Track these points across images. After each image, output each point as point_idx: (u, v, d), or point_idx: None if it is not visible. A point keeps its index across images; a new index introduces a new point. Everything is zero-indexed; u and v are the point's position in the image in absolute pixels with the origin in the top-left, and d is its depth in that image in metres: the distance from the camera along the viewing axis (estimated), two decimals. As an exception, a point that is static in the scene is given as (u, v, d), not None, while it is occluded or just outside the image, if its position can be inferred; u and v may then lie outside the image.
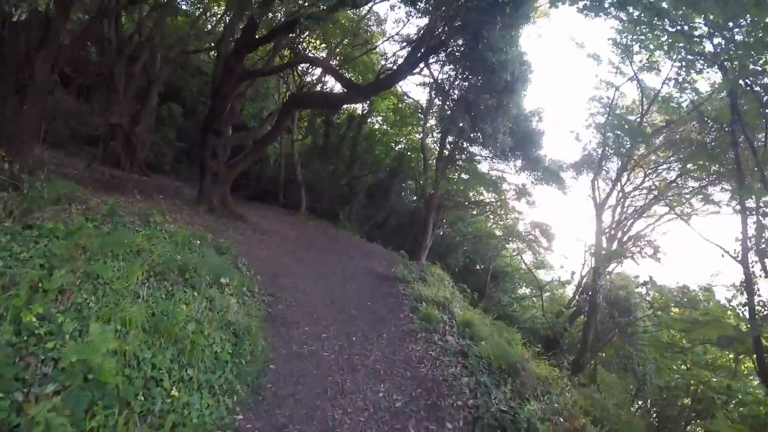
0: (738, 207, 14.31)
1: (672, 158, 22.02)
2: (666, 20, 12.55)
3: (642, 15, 12.73)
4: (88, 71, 22.25)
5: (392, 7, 28.35)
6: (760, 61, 10.78)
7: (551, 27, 69.90)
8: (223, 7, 25.28)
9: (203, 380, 6.39)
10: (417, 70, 19.85)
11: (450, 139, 25.20)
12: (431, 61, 19.45)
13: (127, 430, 4.85)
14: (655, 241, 19.30)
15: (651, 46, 16.94)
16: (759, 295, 10.59)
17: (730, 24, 10.83)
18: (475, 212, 30.22)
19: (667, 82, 19.38)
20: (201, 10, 26.92)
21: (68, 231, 7.71)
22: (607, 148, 22.02)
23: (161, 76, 22.87)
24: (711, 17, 11.00)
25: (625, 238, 22.13)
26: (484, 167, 26.70)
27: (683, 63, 15.59)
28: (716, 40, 11.71)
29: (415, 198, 32.37)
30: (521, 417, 7.16)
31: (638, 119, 20.78)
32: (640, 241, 20.28)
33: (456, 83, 21.13)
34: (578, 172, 24.07)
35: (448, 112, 20.59)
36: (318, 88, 28.13)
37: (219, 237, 13.78)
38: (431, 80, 23.24)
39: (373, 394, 7.48)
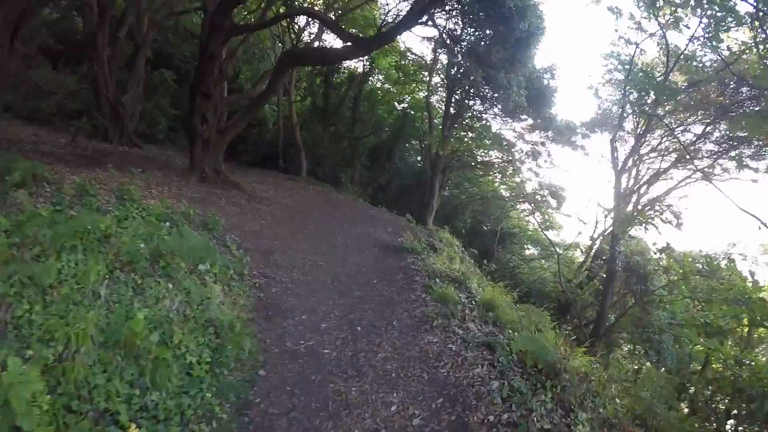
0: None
1: (691, 119, 20.28)
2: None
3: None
4: (73, 42, 20.90)
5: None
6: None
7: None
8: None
9: (171, 407, 4.85)
10: (422, 19, 17.67)
11: (456, 96, 23.27)
12: (437, 10, 17.43)
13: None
14: (675, 207, 17.52)
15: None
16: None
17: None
18: (481, 173, 28.38)
19: (692, 40, 17.43)
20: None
21: (15, 223, 6.16)
22: (628, 106, 20.04)
23: (148, 40, 20.89)
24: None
25: (642, 202, 20.37)
26: (492, 126, 24.83)
27: (712, 20, 14.26)
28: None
29: (419, 159, 30.77)
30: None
31: (662, 77, 18.78)
32: (659, 205, 18.43)
33: (464, 35, 19.15)
34: (592, 132, 22.20)
35: (460, 64, 18.49)
36: (316, 45, 25.90)
37: (208, 210, 12.20)
38: (437, 33, 21.24)
39: (384, 408, 5.81)
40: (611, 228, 19.77)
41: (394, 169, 28.79)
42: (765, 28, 11.65)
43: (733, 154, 18.97)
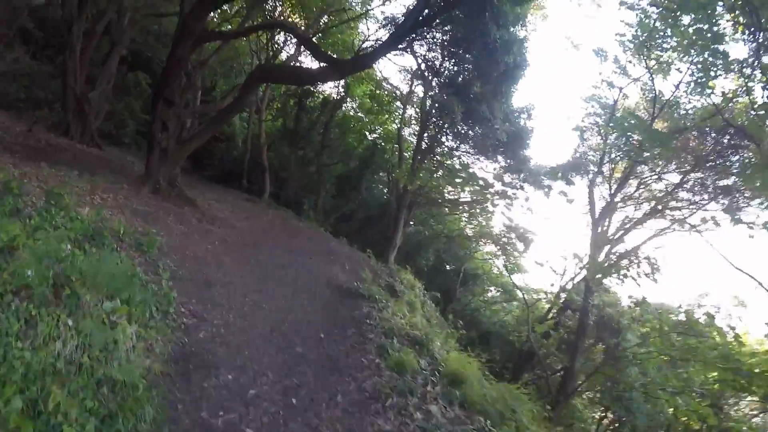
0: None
1: (667, 168, 19.43)
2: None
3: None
4: (54, 30, 19.79)
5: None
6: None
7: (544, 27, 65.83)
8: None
9: None
10: (401, 46, 16.45)
11: (429, 132, 22.06)
12: (418, 38, 16.30)
13: None
14: (653, 258, 16.36)
15: (669, 44, 14.34)
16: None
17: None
18: (447, 210, 27.11)
19: (678, 86, 16.84)
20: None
21: None
22: (609, 151, 19.17)
23: (125, 39, 19.49)
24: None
25: (616, 251, 19.25)
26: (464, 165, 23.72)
27: (699, 65, 13.94)
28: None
29: (386, 191, 29.42)
30: None
31: (649, 121, 17.87)
32: (633, 256, 17.27)
33: (444, 66, 18.03)
34: (567, 176, 21.18)
35: (437, 96, 17.30)
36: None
37: (150, 227, 10.63)
38: (415, 63, 20.16)
39: None
40: (583, 278, 18.67)
41: (359, 200, 27.29)
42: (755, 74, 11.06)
43: (722, 204, 18.15)
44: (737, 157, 16.81)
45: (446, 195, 25.48)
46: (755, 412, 17.62)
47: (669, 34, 14.57)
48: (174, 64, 14.04)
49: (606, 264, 17.12)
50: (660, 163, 19.21)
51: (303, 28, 23.03)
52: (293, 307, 9.73)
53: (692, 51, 13.66)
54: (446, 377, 7.70)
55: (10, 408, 3.85)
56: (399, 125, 25.31)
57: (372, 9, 23.27)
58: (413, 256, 25.69)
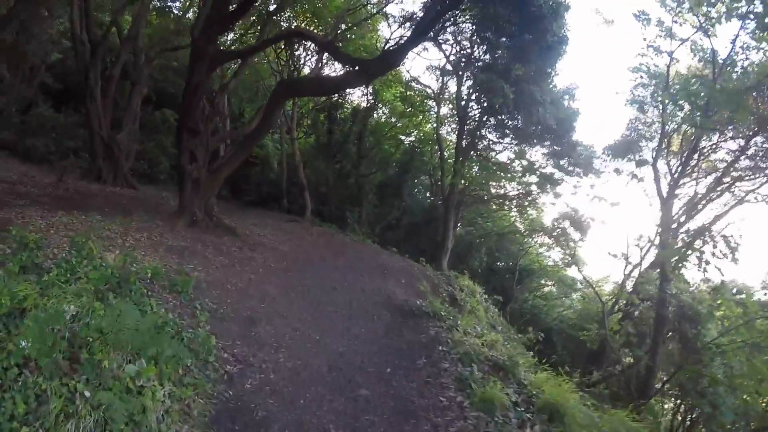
0: None
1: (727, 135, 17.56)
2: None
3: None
4: (74, 82, 19.32)
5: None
6: None
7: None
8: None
9: None
10: (430, 35, 15.10)
11: (469, 127, 20.66)
12: (447, 24, 14.94)
13: None
14: (730, 236, 14.34)
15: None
16: None
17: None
18: (495, 207, 25.67)
19: (734, 42, 14.97)
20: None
21: None
22: (670, 121, 17.39)
23: (143, 77, 18.89)
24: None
25: (685, 232, 17.26)
26: (502, 157, 22.25)
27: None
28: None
29: (428, 195, 28.41)
30: None
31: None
32: (707, 235, 15.19)
33: (476, 52, 16.58)
34: (617, 156, 19.41)
35: (481, 80, 15.76)
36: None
37: (186, 263, 9.66)
38: (445, 56, 18.82)
39: None
40: (655, 264, 16.88)
41: (403, 207, 26.17)
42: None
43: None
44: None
45: (493, 191, 24.08)
46: None
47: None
48: (192, 92, 13.09)
49: (680, 247, 15.26)
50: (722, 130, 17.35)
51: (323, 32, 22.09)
52: (351, 336, 8.53)
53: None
54: (542, 410, 6.24)
55: None
56: (435, 125, 24.08)
57: (386, 6, 22.05)
58: (465, 257, 24.38)
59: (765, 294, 14.81)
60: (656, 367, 15.82)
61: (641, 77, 18.55)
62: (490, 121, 19.60)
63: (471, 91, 19.51)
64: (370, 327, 9.20)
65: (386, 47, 20.85)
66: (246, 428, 5.06)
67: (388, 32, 23.59)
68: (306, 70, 24.50)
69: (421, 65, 61.43)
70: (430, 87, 24.27)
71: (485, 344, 8.29)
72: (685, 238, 16.14)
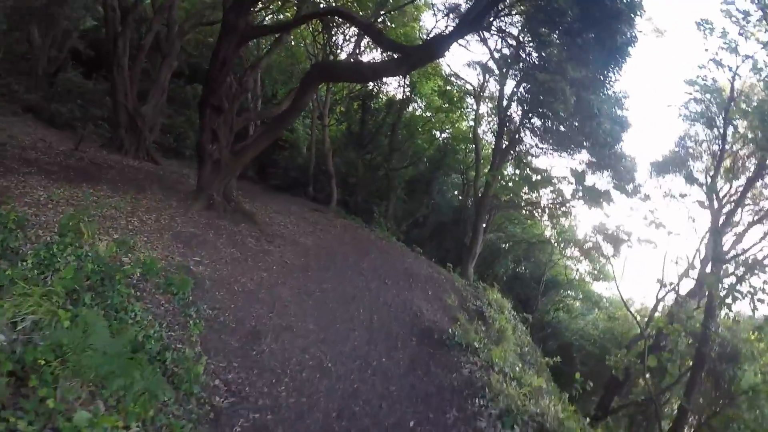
0: None
1: None
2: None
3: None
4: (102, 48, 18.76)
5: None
6: None
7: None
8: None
9: None
10: (479, 27, 13.51)
11: (509, 128, 19.05)
12: (501, 14, 13.39)
13: None
14: None
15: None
16: None
17: None
18: (525, 213, 24.05)
19: None
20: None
21: None
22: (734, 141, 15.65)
23: (174, 50, 17.73)
24: None
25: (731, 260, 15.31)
26: (540, 162, 20.75)
27: None
28: None
29: (457, 194, 27.05)
30: None
31: None
32: (758, 268, 13.28)
33: (528, 49, 14.96)
34: (662, 173, 17.72)
35: (539, 76, 13.96)
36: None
37: (195, 253, 8.43)
38: (493, 49, 17.17)
39: None
40: (695, 294, 15.21)
41: (431, 204, 24.87)
42: None
43: None
44: None
45: (524, 196, 22.50)
46: None
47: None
48: (219, 68, 11.81)
49: (733, 284, 13.45)
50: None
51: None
52: (369, 368, 7.08)
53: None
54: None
55: None
56: (473, 123, 22.64)
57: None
58: (491, 263, 23.14)
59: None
60: (690, 408, 14.11)
61: (696, 91, 16.91)
62: (533, 123, 17.90)
63: (517, 90, 17.91)
64: (393, 357, 7.71)
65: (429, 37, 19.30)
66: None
67: (431, 23, 22.30)
68: (343, 57, 23.24)
69: (462, 60, 58.94)
70: (470, 83, 22.84)
71: (528, 394, 6.80)
72: (732, 269, 14.30)
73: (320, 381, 6.11)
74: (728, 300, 12.51)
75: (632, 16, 12.68)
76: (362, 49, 21.43)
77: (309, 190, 22.49)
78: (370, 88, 24.15)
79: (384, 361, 7.41)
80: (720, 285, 13.29)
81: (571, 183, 18.17)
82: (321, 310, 8.52)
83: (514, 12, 15.03)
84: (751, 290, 12.36)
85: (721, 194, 16.52)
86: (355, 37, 21.49)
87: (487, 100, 22.55)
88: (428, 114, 26.55)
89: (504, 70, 18.49)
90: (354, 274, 11.44)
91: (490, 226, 21.91)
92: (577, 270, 26.40)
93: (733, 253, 15.59)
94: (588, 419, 10.67)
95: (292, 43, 23.31)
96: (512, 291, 21.19)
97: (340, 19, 18.77)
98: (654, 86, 49.86)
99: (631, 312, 18.75)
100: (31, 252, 5.74)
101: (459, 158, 25.17)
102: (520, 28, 15.67)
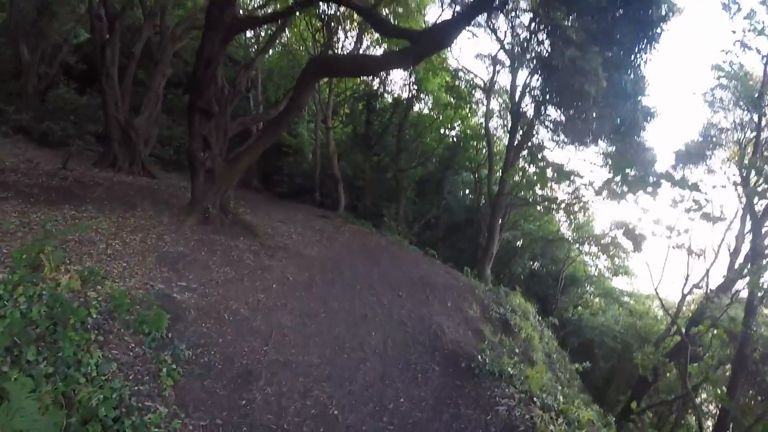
0: None
1: None
2: None
3: None
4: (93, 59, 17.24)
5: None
6: None
7: None
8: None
9: None
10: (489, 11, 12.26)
11: (522, 122, 17.78)
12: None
13: None
14: None
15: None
16: None
17: None
18: (541, 209, 22.72)
19: None
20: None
21: None
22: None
23: (167, 57, 16.55)
24: None
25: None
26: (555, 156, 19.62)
27: None
28: None
29: (468, 192, 25.95)
30: None
31: None
32: None
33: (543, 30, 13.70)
34: (688, 163, 16.49)
35: (561, 59, 12.47)
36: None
37: (182, 277, 7.32)
38: (501, 39, 15.88)
39: None
40: (727, 289, 13.85)
41: (443, 205, 23.71)
42: None
43: None
44: None
45: (540, 192, 21.22)
46: None
47: None
48: (204, 67, 10.56)
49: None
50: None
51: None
52: (385, 414, 5.76)
53: None
54: None
55: None
56: (483, 119, 21.52)
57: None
58: (507, 262, 22.07)
59: None
60: (731, 413, 12.70)
61: (723, 76, 15.64)
62: (548, 115, 16.55)
63: (529, 81, 16.66)
64: (414, 396, 6.32)
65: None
66: None
67: (435, 16, 21.19)
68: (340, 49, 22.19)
69: (470, 55, 57.34)
70: (479, 77, 21.63)
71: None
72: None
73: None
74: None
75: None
76: (365, 45, 20.51)
77: (315, 196, 21.46)
78: (375, 87, 23.26)
79: (402, 401, 6.08)
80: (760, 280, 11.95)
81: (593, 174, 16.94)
82: (326, 336, 7.26)
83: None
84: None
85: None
86: (357, 31, 20.69)
87: (497, 94, 21.40)
88: (435, 112, 25.24)
89: (515, 63, 17.33)
90: (364, 287, 10.10)
91: (505, 224, 20.74)
92: (596, 266, 25.38)
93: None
94: (614, 418, 9.70)
95: (294, 45, 22.31)
96: (530, 290, 20.07)
97: (340, 11, 17.65)
98: (672, 72, 47.68)
99: (668, 312, 17.26)
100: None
101: (470, 156, 24.01)
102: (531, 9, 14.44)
